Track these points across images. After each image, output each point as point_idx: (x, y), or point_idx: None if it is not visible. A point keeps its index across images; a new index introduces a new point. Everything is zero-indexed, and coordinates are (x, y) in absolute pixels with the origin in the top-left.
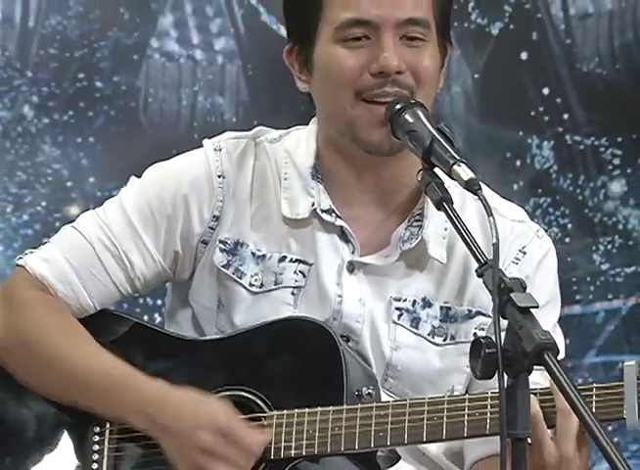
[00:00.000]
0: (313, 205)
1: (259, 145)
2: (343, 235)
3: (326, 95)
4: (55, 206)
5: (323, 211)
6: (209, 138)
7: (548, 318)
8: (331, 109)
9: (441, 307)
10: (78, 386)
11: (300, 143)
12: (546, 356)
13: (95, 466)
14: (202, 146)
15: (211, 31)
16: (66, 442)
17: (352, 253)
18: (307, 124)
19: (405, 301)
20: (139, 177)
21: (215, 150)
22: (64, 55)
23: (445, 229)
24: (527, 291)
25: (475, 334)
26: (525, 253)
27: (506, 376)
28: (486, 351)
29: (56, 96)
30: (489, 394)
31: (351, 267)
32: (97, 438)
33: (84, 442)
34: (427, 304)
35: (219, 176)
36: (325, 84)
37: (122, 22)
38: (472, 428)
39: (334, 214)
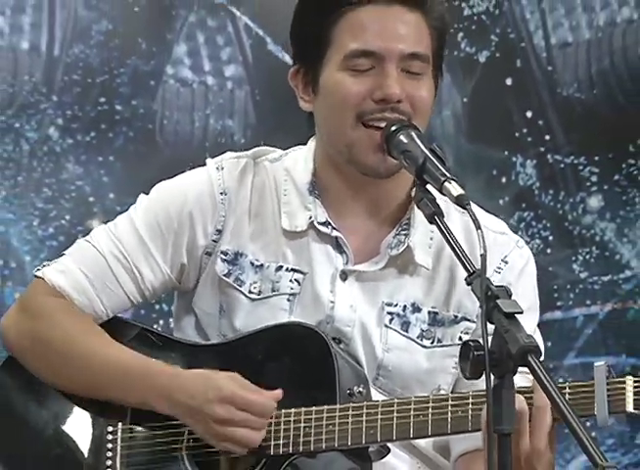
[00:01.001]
0: (310, 218)
1: (259, 164)
2: (338, 246)
3: (329, 116)
4: (78, 219)
5: (320, 223)
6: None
7: (529, 323)
8: (332, 130)
9: (429, 312)
10: (100, 379)
11: (299, 162)
12: (530, 358)
13: (109, 463)
14: None
15: (222, 59)
16: (80, 440)
17: (346, 263)
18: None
19: (396, 306)
20: (148, 194)
21: (217, 169)
22: (86, 81)
23: (431, 238)
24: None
25: (460, 338)
26: (506, 262)
27: (493, 376)
28: (475, 353)
29: (79, 118)
30: (471, 393)
31: (344, 276)
32: (110, 436)
33: (98, 439)
34: (416, 309)
35: (221, 193)
36: (329, 106)
37: (140, 50)
38: (455, 425)
39: (330, 226)
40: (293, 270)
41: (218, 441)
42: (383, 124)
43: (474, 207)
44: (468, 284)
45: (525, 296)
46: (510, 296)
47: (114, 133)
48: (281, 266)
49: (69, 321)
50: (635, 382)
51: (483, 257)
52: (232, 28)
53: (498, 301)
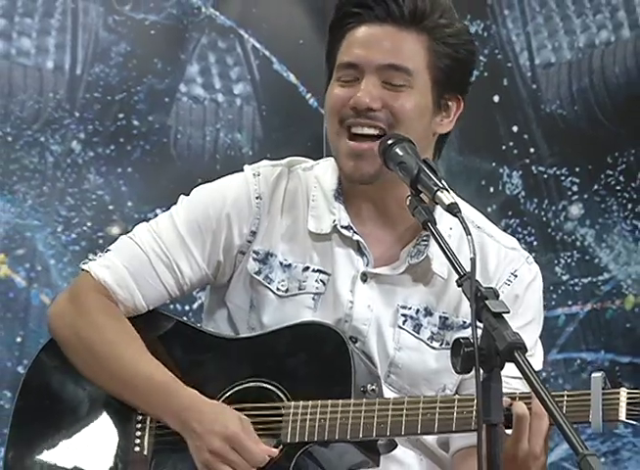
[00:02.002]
0: (334, 221)
1: (293, 172)
2: (359, 249)
3: (326, 124)
4: (99, 226)
5: (343, 227)
6: (228, 168)
7: (532, 334)
8: (328, 137)
9: (440, 317)
10: (125, 385)
11: (328, 170)
12: (516, 354)
13: (137, 441)
14: (223, 175)
15: (231, 78)
16: (112, 423)
17: (367, 265)
18: (313, 157)
19: (410, 309)
20: (187, 195)
21: (254, 175)
22: (106, 98)
23: None
24: (516, 309)
25: None
26: (516, 276)
27: (482, 371)
28: (465, 349)
29: (100, 133)
30: (475, 395)
31: (364, 278)
32: (140, 417)
33: (128, 423)
34: (428, 313)
35: (257, 198)
36: (326, 114)
37: (156, 70)
38: (459, 424)
39: (351, 230)
40: (319, 271)
41: (205, 468)
42: (359, 131)
43: (487, 223)
44: (459, 286)
45: (530, 308)
46: (497, 296)
47: (131, 146)
48: (307, 267)
49: (110, 325)
50: (629, 393)
51: (473, 260)
52: (241, 50)
53: (487, 301)
